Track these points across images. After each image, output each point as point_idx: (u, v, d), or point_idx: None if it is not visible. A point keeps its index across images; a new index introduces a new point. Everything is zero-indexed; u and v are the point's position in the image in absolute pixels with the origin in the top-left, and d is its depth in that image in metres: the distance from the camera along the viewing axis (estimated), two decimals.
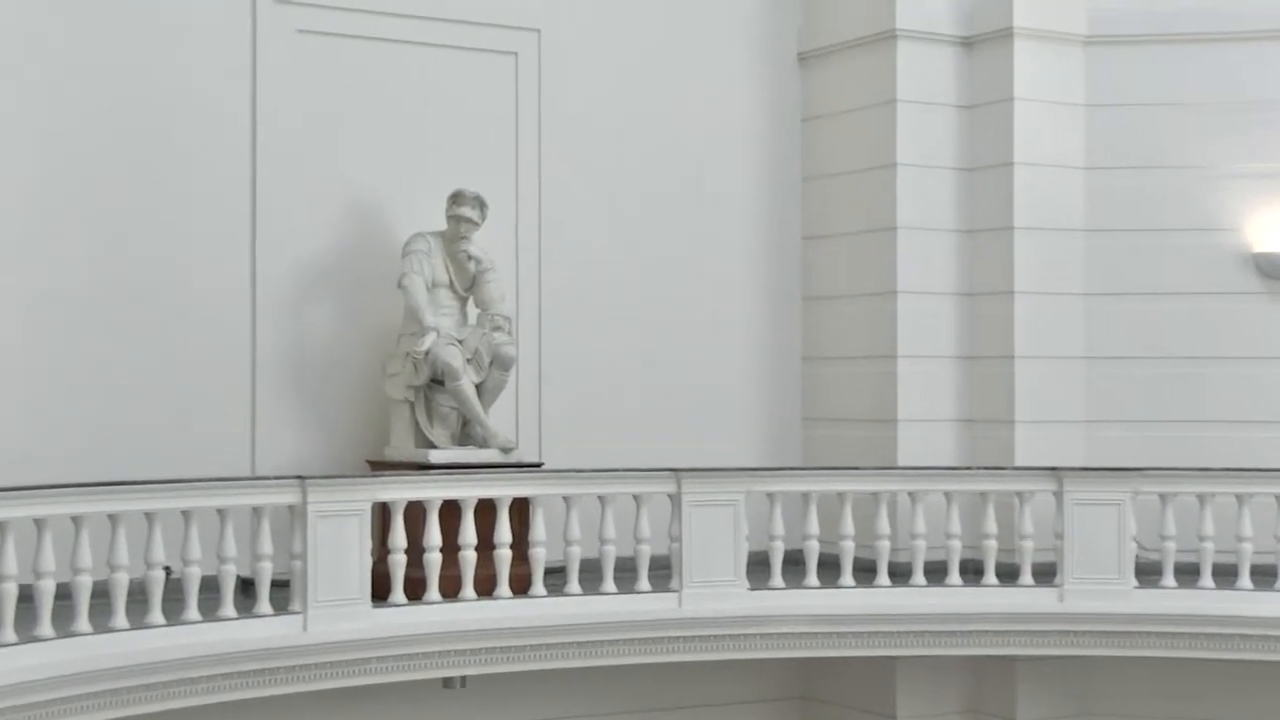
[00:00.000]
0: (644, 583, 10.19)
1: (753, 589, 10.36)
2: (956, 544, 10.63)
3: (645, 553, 10.17)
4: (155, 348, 10.40)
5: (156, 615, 8.71)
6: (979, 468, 11.27)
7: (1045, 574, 10.63)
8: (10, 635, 8.07)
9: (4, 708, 7.90)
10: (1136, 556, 10.57)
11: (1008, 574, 10.66)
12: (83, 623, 8.40)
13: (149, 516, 8.73)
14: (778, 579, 10.46)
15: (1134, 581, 10.52)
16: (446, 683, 10.12)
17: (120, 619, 8.55)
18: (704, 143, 12.36)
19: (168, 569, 8.78)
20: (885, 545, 10.58)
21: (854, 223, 12.22)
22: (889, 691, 11.49)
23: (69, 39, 10.21)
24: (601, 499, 10.17)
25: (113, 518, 8.58)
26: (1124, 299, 11.79)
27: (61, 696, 8.15)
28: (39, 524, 8.28)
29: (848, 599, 10.48)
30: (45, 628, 8.24)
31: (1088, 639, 10.53)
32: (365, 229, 11.14)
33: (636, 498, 10.23)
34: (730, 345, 12.38)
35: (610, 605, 10.06)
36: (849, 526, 10.52)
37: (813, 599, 10.44)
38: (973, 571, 10.73)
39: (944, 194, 11.95)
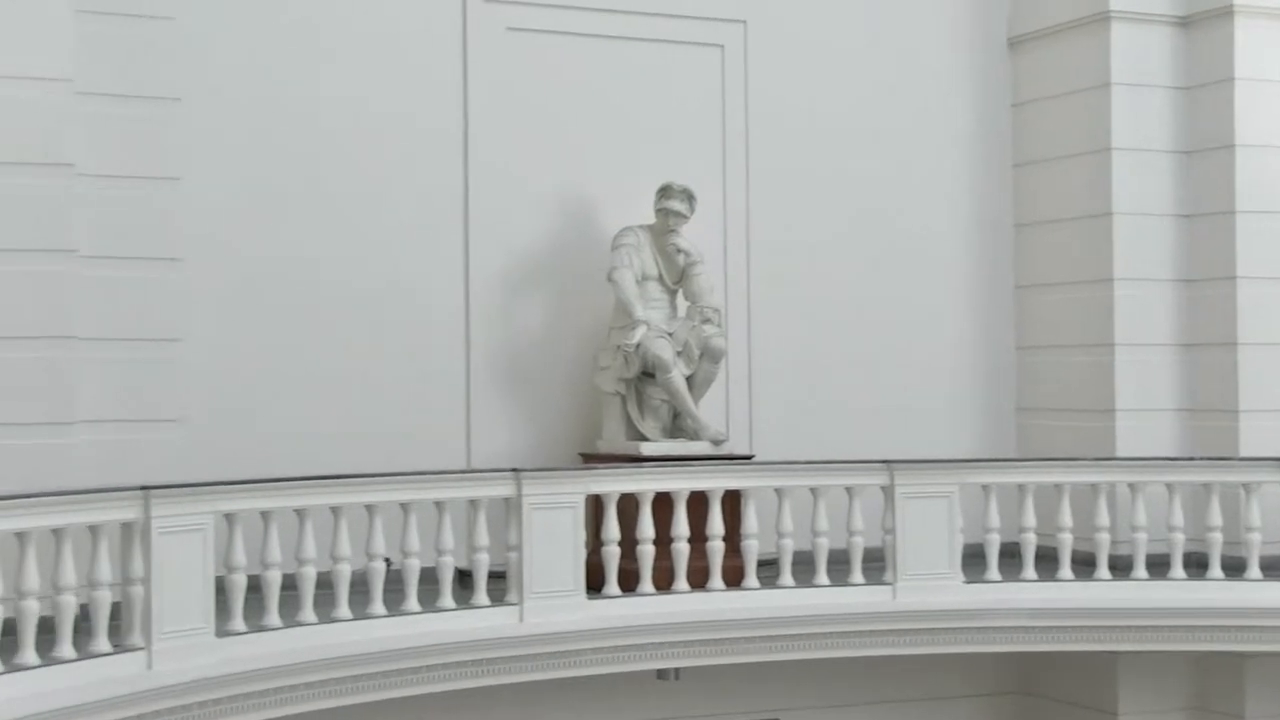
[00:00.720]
0: (857, 575, 10.10)
1: (968, 582, 10.21)
2: (1179, 536, 10.34)
3: (858, 545, 10.07)
4: (373, 345, 10.62)
5: (378, 606, 8.89)
6: (1202, 458, 10.94)
7: (1274, 567, 10.30)
8: (240, 624, 8.32)
9: (231, 695, 8.15)
10: None
11: (1233, 567, 10.33)
12: (308, 613, 8.62)
13: (369, 509, 8.90)
14: (994, 572, 10.29)
15: None
16: (660, 674, 10.17)
17: (343, 609, 8.75)
18: (913, 131, 12.22)
19: (388, 560, 8.96)
20: (1105, 538, 10.33)
21: (1068, 209, 11.96)
22: (1110, 687, 11.23)
23: (285, 43, 10.47)
24: (813, 491, 10.10)
25: (335, 510, 8.78)
26: None
27: (287, 685, 8.39)
28: (265, 517, 8.51)
29: (1066, 592, 10.27)
30: (273, 617, 8.47)
31: None
32: (575, 223, 11.23)
33: (849, 489, 10.14)
34: (942, 335, 12.23)
35: (823, 598, 10.00)
36: (1067, 518, 10.30)
37: (1030, 592, 10.25)
38: (1196, 565, 10.44)
39: (1161, 178, 11.64)
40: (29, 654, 7.43)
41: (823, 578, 10.05)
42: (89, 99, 9.29)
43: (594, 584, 9.54)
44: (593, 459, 10.66)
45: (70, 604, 7.63)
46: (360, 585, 8.86)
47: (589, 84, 11.32)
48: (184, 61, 9.82)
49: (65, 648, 7.60)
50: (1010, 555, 10.38)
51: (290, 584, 8.61)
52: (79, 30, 9.24)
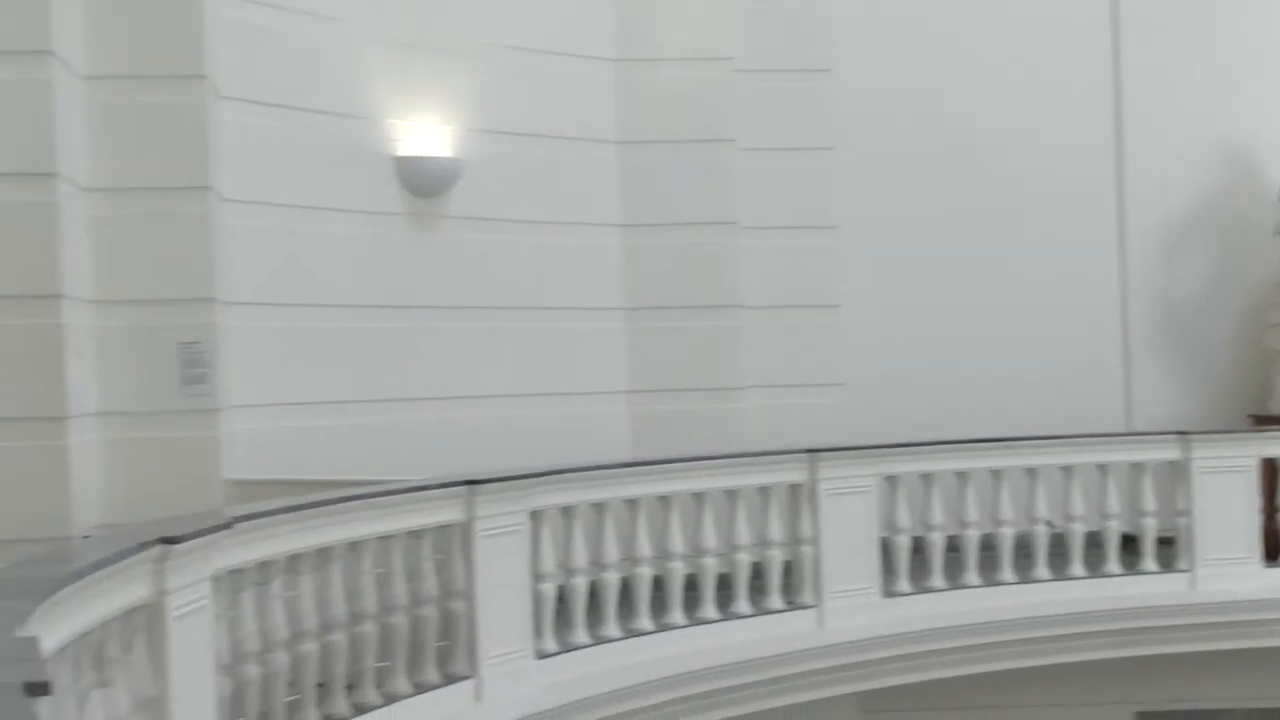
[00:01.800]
0: None
1: None
2: None
3: None
4: (1026, 306, 10.48)
5: (1041, 570, 8.77)
6: None
7: None
8: (905, 585, 8.41)
9: (900, 654, 8.27)
10: None
11: None
12: (972, 575, 8.61)
13: (1030, 472, 8.80)
14: None
15: None
16: None
17: (1006, 572, 8.68)
18: None
19: (1049, 523, 8.82)
20: None
21: None
22: None
23: (930, 5, 10.51)
24: None
25: (995, 473, 8.73)
26: None
27: (955, 646, 8.46)
28: (926, 479, 8.55)
29: None
30: (937, 579, 8.52)
31: None
32: (1237, 175, 10.70)
33: None
34: None
35: None
36: None
37: None
38: None
39: None
40: (709, 609, 7.79)
41: None
42: (746, 75, 9.62)
43: (1270, 551, 9.06)
44: (1264, 421, 10.12)
45: (744, 562, 7.93)
46: (1023, 548, 8.76)
47: (1254, 30, 10.70)
48: (834, 32, 9.98)
49: (741, 604, 7.92)
50: None
51: (953, 545, 8.62)
52: (741, 8, 9.59)
